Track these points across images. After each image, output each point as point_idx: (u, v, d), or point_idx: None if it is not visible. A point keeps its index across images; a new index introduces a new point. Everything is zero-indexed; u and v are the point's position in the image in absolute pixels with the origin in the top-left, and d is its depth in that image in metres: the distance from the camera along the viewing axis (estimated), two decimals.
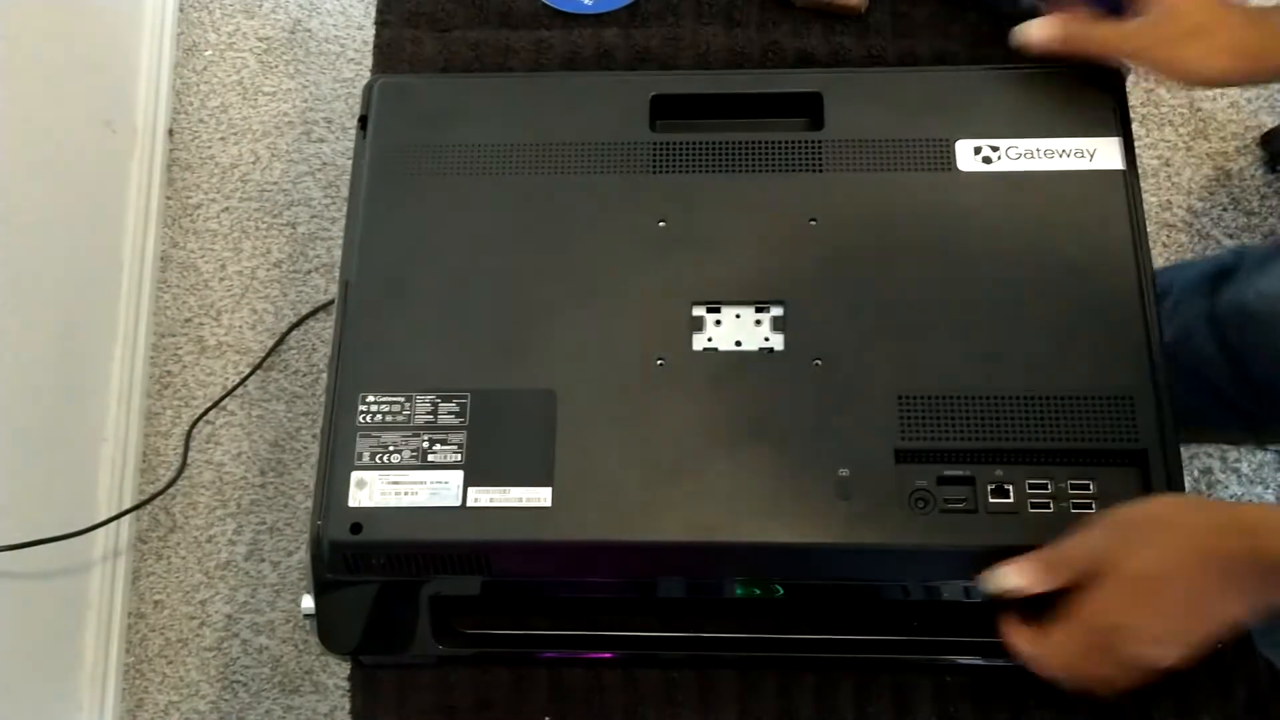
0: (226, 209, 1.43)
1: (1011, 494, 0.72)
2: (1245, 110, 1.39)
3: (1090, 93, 0.82)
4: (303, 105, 1.46)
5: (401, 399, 0.76)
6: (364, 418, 0.76)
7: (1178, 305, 1.02)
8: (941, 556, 0.72)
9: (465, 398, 0.76)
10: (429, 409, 0.75)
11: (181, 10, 1.52)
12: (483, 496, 0.73)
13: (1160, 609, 0.64)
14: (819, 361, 0.75)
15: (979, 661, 0.78)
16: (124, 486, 1.30)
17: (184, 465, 1.27)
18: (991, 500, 0.72)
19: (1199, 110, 1.40)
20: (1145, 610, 0.64)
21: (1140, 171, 0.81)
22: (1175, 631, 0.64)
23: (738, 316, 0.77)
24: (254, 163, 1.44)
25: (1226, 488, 1.24)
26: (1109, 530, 0.66)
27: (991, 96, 0.83)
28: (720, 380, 0.75)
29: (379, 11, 0.98)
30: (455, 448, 0.74)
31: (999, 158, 0.80)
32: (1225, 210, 1.35)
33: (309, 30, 1.50)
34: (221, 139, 1.46)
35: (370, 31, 0.99)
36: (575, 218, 0.80)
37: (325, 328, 1.36)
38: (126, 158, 1.39)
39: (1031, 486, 0.72)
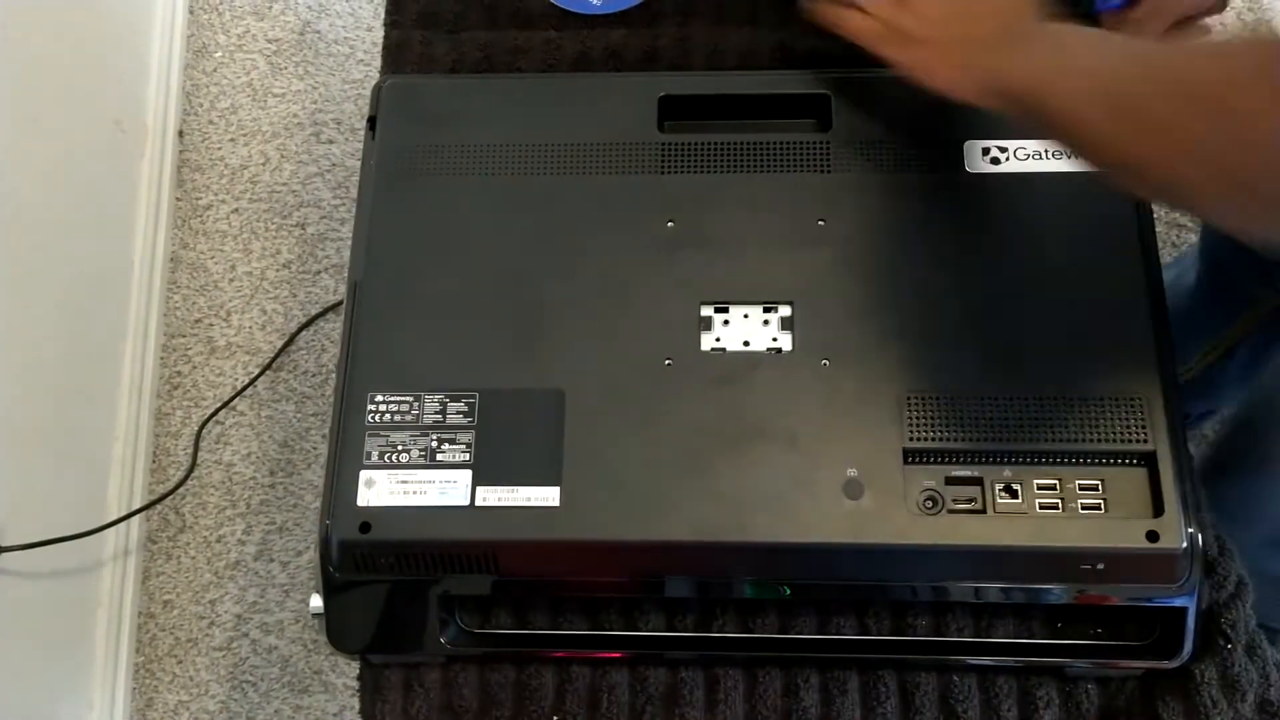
0: (236, 210, 1.43)
1: (1020, 494, 0.72)
2: None
3: None
4: (312, 107, 1.47)
5: (410, 398, 0.76)
6: (373, 417, 0.76)
7: None
8: (950, 557, 0.72)
9: (474, 397, 0.76)
10: (437, 408, 0.75)
11: (191, 12, 1.52)
12: (491, 496, 0.73)
13: None
14: (827, 361, 0.75)
15: (986, 661, 0.77)
16: (134, 486, 1.30)
17: (194, 465, 1.27)
18: (1000, 501, 0.72)
19: None
20: None
21: None
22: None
23: (746, 316, 0.77)
24: (263, 164, 1.45)
25: None
26: None
27: None
28: (728, 380, 0.75)
29: (388, 13, 0.98)
30: (464, 447, 0.75)
31: (1007, 158, 0.80)
32: None
33: (318, 32, 1.50)
34: (231, 140, 1.46)
35: (379, 33, 0.99)
36: (583, 218, 0.81)
37: (334, 328, 1.36)
38: (136, 159, 1.40)
39: (1040, 487, 0.72)
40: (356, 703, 0.83)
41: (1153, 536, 0.70)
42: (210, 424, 1.33)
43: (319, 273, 1.39)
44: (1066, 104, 0.66)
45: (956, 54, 0.74)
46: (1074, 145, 0.67)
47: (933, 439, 0.73)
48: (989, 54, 0.71)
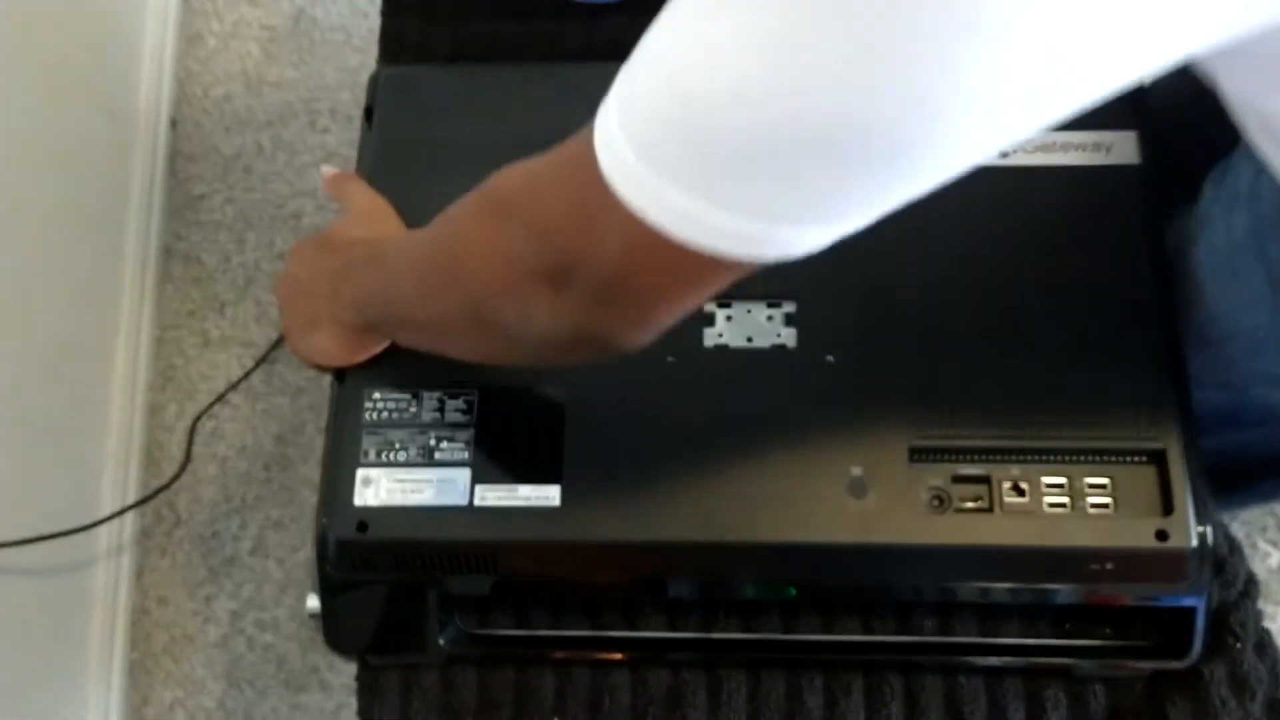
0: (230, 200, 1.42)
1: (1027, 493, 0.71)
2: None
3: None
4: (307, 95, 1.45)
5: (408, 396, 0.75)
6: (370, 415, 0.75)
7: None
8: (956, 557, 0.71)
9: (473, 395, 0.75)
10: (436, 406, 0.75)
11: None
12: (490, 495, 0.72)
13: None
14: (831, 358, 0.74)
15: (993, 662, 0.77)
16: (128, 481, 1.29)
17: (188, 460, 1.25)
18: (1007, 500, 0.71)
19: None
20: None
21: None
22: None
23: (749, 312, 0.76)
24: (258, 153, 1.43)
25: None
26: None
27: None
28: (731, 377, 0.74)
29: (385, 0, 0.97)
30: (462, 445, 0.74)
31: (1014, 151, 0.79)
32: None
33: (313, 19, 1.49)
34: (225, 129, 1.45)
35: (375, 20, 0.98)
36: None
37: None
38: (129, 148, 1.38)
39: (1048, 486, 0.71)
40: (353, 701, 0.82)
41: (1162, 536, 0.69)
42: (204, 418, 1.32)
43: None
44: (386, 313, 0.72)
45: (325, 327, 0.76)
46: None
47: (939, 437, 0.72)
48: (334, 314, 0.75)
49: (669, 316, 0.55)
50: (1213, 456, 0.86)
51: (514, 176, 0.57)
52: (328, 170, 0.83)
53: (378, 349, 0.75)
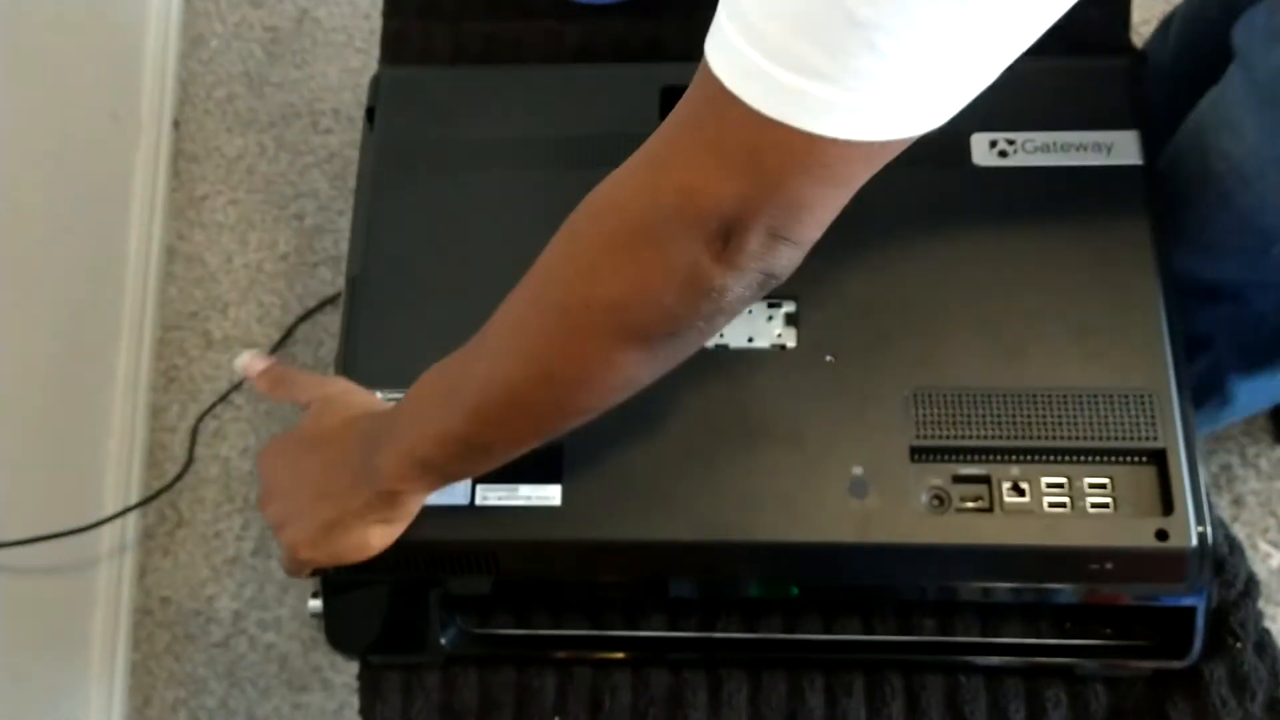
0: (233, 201, 1.42)
1: (1028, 493, 0.71)
2: None
3: (1108, 84, 0.81)
4: (309, 96, 1.45)
5: None
6: None
7: None
8: (957, 556, 0.71)
9: None
10: None
11: (187, 0, 1.51)
12: (491, 495, 0.72)
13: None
14: (832, 358, 0.74)
15: (994, 662, 0.77)
16: (130, 482, 1.29)
17: (190, 460, 1.26)
18: (1008, 500, 0.71)
19: None
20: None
21: None
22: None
23: (750, 312, 0.76)
24: (260, 154, 1.43)
25: (1246, 482, 1.23)
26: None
27: (1007, 87, 0.81)
28: (732, 377, 0.74)
29: (387, 1, 0.97)
30: None
31: (1015, 151, 0.79)
32: None
33: (316, 20, 1.49)
34: (228, 130, 1.45)
35: (377, 21, 0.98)
36: None
37: (332, 321, 1.35)
38: (132, 149, 1.39)
39: (1048, 486, 0.71)
40: (355, 700, 0.82)
41: (1162, 535, 0.69)
42: (207, 418, 1.32)
43: (316, 265, 1.38)
44: (451, 432, 0.64)
45: (350, 518, 0.68)
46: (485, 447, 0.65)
47: (939, 437, 0.72)
48: (365, 482, 0.67)
49: (824, 226, 0.54)
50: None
51: (620, 184, 0.56)
52: (250, 366, 0.78)
53: (415, 510, 0.70)
